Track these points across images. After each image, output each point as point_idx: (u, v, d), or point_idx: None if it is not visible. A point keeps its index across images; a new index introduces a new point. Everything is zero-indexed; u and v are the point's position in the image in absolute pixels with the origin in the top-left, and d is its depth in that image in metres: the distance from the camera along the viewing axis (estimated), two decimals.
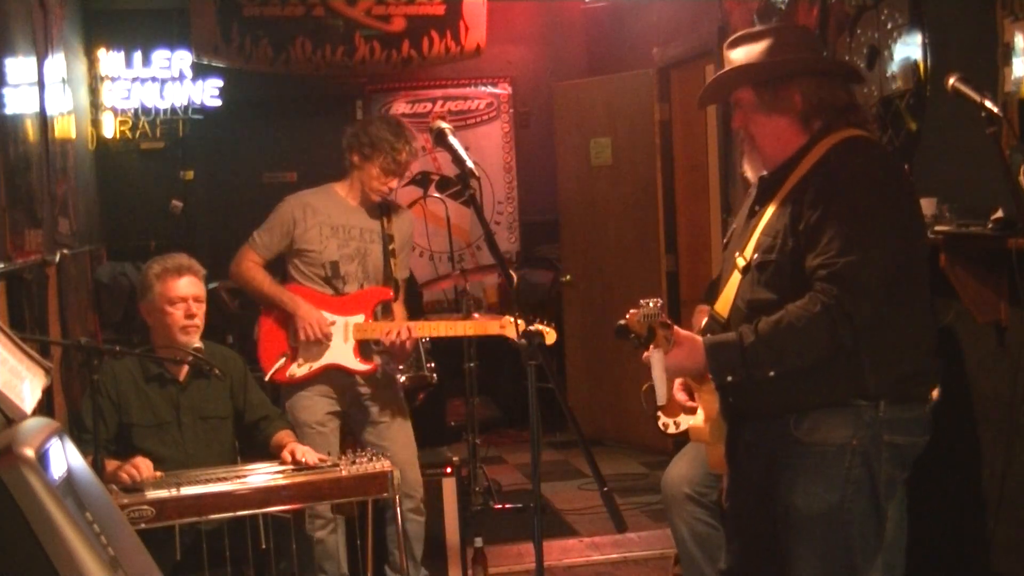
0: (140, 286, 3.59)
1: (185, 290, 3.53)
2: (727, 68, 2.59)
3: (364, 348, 4.01)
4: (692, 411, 3.22)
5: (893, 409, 2.44)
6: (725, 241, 2.76)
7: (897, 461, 2.51)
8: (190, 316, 3.52)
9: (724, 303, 2.57)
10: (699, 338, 2.48)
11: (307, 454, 3.41)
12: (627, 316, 2.46)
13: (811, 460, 2.46)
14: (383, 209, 4.10)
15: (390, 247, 4.06)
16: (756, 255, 2.50)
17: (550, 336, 3.90)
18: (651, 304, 2.42)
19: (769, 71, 2.52)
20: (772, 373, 2.40)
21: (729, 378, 2.43)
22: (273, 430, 3.63)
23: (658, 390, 2.43)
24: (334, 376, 4.00)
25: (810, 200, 2.42)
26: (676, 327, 2.46)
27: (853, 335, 2.36)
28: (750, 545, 2.67)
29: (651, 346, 2.41)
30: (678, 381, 2.80)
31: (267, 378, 3.94)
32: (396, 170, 4.00)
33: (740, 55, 2.57)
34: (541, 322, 3.90)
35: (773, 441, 2.52)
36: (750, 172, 2.66)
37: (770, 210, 2.52)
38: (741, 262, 2.54)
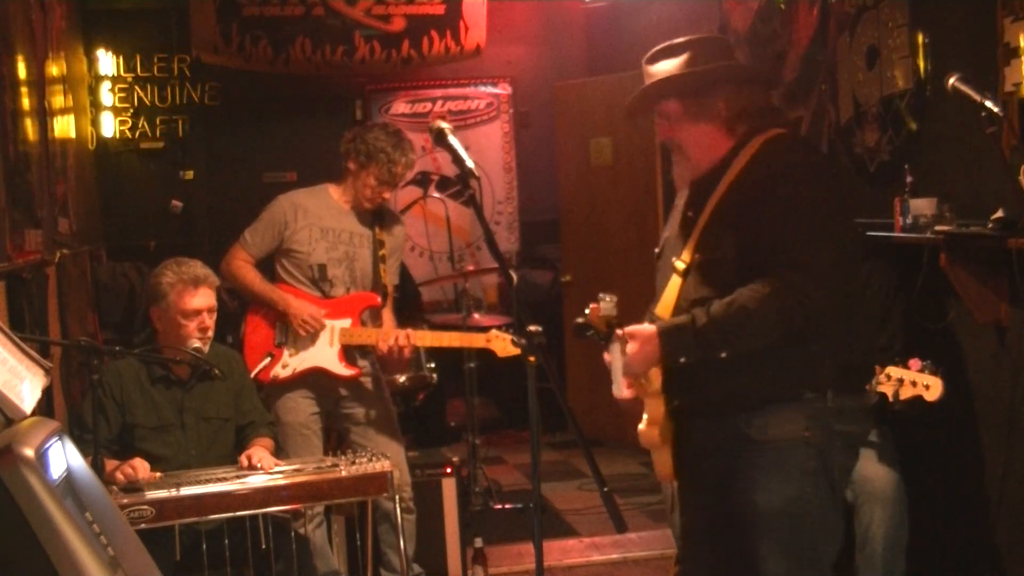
0: (152, 291, 3.56)
1: (200, 303, 3.52)
2: (651, 81, 2.65)
3: (349, 353, 4.00)
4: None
5: (840, 399, 2.49)
6: (658, 250, 2.79)
7: (848, 450, 2.57)
8: (204, 328, 3.52)
9: (664, 307, 2.60)
10: (650, 327, 2.51)
11: (264, 459, 3.39)
12: (586, 313, 2.52)
13: (767, 457, 2.49)
14: (375, 215, 4.08)
15: (380, 252, 4.05)
16: (697, 255, 2.55)
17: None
18: (608, 299, 2.49)
19: (694, 81, 2.60)
20: (724, 355, 2.44)
21: (682, 359, 2.47)
22: (254, 436, 3.62)
23: (616, 383, 2.50)
24: (318, 379, 3.99)
25: (750, 196, 2.48)
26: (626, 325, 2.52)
27: (805, 320, 2.41)
28: (706, 548, 2.69)
29: (611, 342, 2.48)
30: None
31: (251, 376, 3.93)
32: (391, 181, 3.98)
33: (662, 68, 2.64)
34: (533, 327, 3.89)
35: (726, 442, 2.55)
36: (679, 180, 2.73)
37: (707, 212, 2.57)
38: (680, 265, 2.59)
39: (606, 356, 2.55)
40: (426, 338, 4.05)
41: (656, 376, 2.55)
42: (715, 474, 2.58)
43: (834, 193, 2.53)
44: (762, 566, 2.50)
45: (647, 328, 2.51)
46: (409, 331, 3.94)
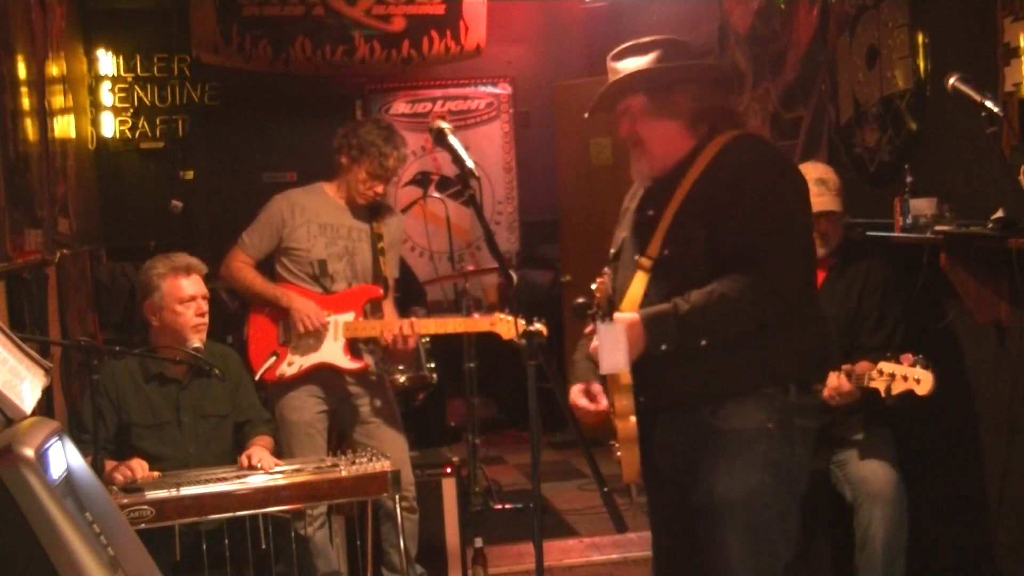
0: (143, 286, 3.57)
1: (194, 289, 3.54)
2: (618, 76, 2.65)
3: (354, 346, 4.01)
4: (599, 416, 3.08)
5: (800, 396, 2.55)
6: (614, 251, 2.81)
7: (806, 445, 2.60)
8: (201, 315, 3.54)
9: (630, 302, 2.61)
10: (632, 314, 2.53)
11: (264, 459, 3.39)
12: (592, 289, 2.58)
13: (730, 446, 2.54)
14: (372, 209, 4.09)
15: (379, 246, 4.06)
16: (666, 250, 2.58)
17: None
18: (608, 278, 2.56)
19: (662, 76, 2.63)
20: (704, 342, 2.49)
21: (663, 347, 2.50)
22: (253, 434, 3.62)
23: (620, 359, 2.48)
24: (324, 375, 3.99)
25: (719, 191, 2.53)
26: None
27: (779, 308, 2.48)
28: (674, 542, 2.72)
29: (608, 319, 2.49)
30: (576, 387, 2.80)
31: (257, 377, 3.93)
32: (383, 175, 3.99)
33: (629, 65, 2.65)
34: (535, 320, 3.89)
35: (691, 435, 2.58)
36: (638, 177, 2.76)
37: (672, 209, 2.60)
38: (646, 262, 2.61)
39: (587, 330, 2.57)
40: (430, 326, 4.06)
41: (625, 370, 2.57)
42: (679, 466, 2.62)
43: (798, 189, 2.61)
44: (723, 554, 2.53)
45: (629, 315, 2.53)
46: (413, 320, 3.94)
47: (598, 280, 2.58)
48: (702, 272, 2.51)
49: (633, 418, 2.58)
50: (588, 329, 2.71)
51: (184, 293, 3.51)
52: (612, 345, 2.48)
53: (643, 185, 2.76)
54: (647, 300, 2.58)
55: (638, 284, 2.62)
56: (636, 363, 2.52)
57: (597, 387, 2.73)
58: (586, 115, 2.89)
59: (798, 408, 2.55)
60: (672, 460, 2.64)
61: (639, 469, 2.64)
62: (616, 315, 2.52)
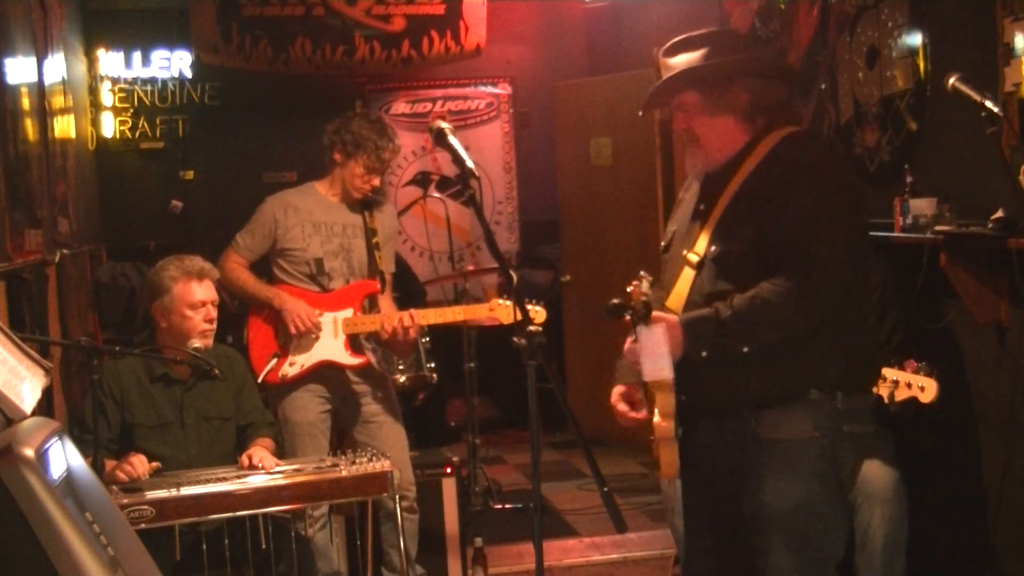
0: (154, 287, 3.56)
1: (205, 294, 3.54)
2: (671, 72, 2.63)
3: (355, 342, 4.01)
4: (638, 422, 3.07)
5: (848, 400, 2.50)
6: (665, 244, 2.78)
7: (856, 451, 2.59)
8: (209, 320, 3.55)
9: (676, 299, 2.59)
10: (673, 316, 2.50)
11: (264, 459, 3.39)
12: (628, 291, 2.48)
13: (777, 457, 2.50)
14: (365, 204, 4.10)
15: (374, 240, 4.06)
16: (713, 248, 2.54)
17: (540, 315, 3.89)
18: (648, 279, 2.48)
19: (715, 72, 2.59)
20: (746, 348, 2.44)
21: (703, 352, 2.47)
22: (255, 436, 3.62)
23: (662, 364, 2.44)
24: (326, 373, 4.00)
25: (770, 190, 2.49)
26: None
27: (824, 316, 2.42)
28: (710, 548, 2.69)
29: (649, 322, 2.44)
30: (617, 391, 2.78)
31: (260, 379, 3.93)
32: (380, 168, 4.02)
33: (681, 60, 2.63)
34: (531, 302, 3.90)
35: (734, 442, 2.55)
36: (692, 172, 2.73)
37: (722, 205, 2.57)
38: (693, 258, 2.58)
39: (629, 341, 2.50)
40: (429, 315, 4.05)
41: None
42: (721, 473, 2.58)
43: (849, 190, 2.56)
44: (769, 566, 2.50)
45: (670, 316, 2.50)
46: (412, 311, 3.94)
47: (633, 283, 2.49)
48: (748, 272, 2.46)
49: (673, 417, 2.55)
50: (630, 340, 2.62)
51: (195, 298, 3.52)
52: (654, 350, 2.44)
53: (697, 179, 2.73)
54: (691, 299, 2.56)
55: (684, 281, 2.59)
56: (679, 362, 2.49)
57: (638, 395, 2.71)
58: (640, 112, 2.87)
59: (845, 414, 2.49)
60: (713, 464, 2.61)
61: (678, 467, 2.61)
62: (655, 314, 2.46)
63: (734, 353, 2.45)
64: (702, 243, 2.57)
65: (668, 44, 2.68)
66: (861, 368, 2.57)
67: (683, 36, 2.66)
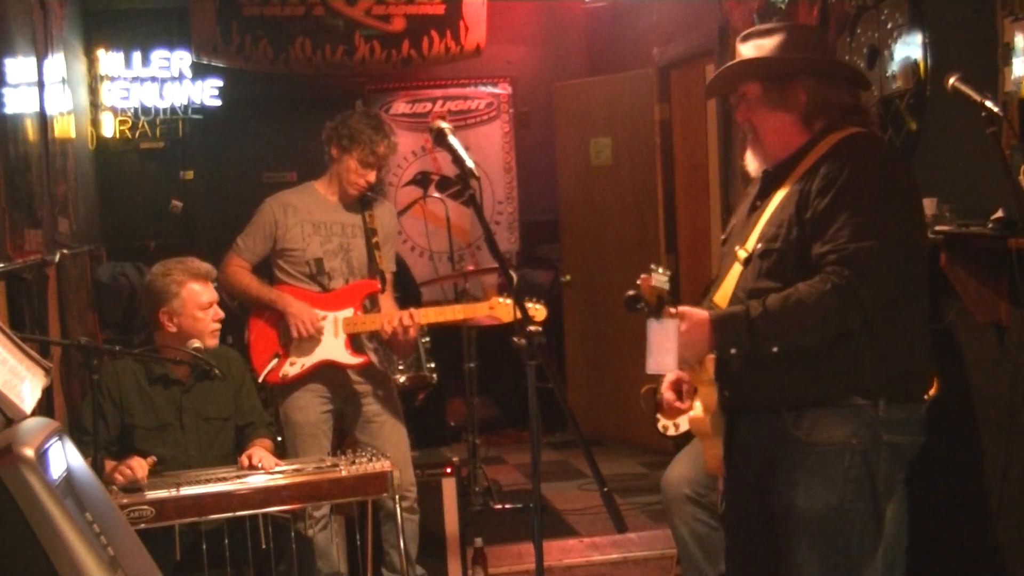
0: (159, 293, 3.55)
1: (210, 295, 3.59)
2: (736, 60, 2.61)
3: (355, 342, 4.01)
4: (683, 412, 3.14)
5: (892, 408, 2.45)
6: (724, 237, 2.78)
7: (896, 461, 2.52)
8: (218, 320, 3.59)
9: (723, 295, 2.58)
10: (703, 312, 2.49)
11: (264, 459, 3.40)
12: (638, 284, 2.44)
13: (811, 460, 2.47)
14: (364, 203, 4.11)
15: (373, 240, 4.06)
16: (759, 245, 2.52)
17: (540, 313, 3.89)
18: (660, 272, 2.43)
19: (777, 67, 2.56)
20: (776, 349, 2.41)
21: (733, 351, 2.44)
22: (254, 436, 3.62)
23: (668, 360, 2.43)
24: (327, 373, 4.00)
25: (818, 189, 2.44)
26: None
27: (861, 320, 2.37)
28: (748, 545, 2.68)
29: (661, 316, 2.41)
30: (668, 379, 2.77)
31: (260, 379, 3.93)
32: (374, 163, 4.01)
33: (751, 50, 2.60)
34: (531, 300, 3.91)
35: (771, 441, 2.53)
36: (752, 166, 2.70)
37: (773, 202, 2.55)
38: (743, 254, 2.56)
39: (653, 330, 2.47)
40: (429, 314, 4.05)
41: (710, 364, 2.53)
42: (758, 470, 2.57)
43: (905, 196, 2.49)
44: (797, 568, 2.49)
45: (700, 312, 2.47)
46: (412, 310, 3.94)
47: (642, 276, 2.44)
48: (792, 272, 2.43)
49: (713, 412, 2.55)
50: None
51: (203, 300, 3.55)
52: (661, 344, 2.41)
53: (755, 175, 2.70)
54: (736, 295, 2.54)
55: (732, 277, 2.57)
56: (721, 358, 2.48)
57: (688, 386, 2.71)
58: (706, 98, 2.85)
59: (887, 423, 2.44)
60: (751, 463, 2.60)
61: (722, 461, 2.61)
62: (682, 309, 2.44)
63: (765, 353, 2.42)
64: (752, 239, 2.55)
65: (748, 30, 2.65)
66: (908, 376, 2.49)
67: (766, 25, 2.63)
